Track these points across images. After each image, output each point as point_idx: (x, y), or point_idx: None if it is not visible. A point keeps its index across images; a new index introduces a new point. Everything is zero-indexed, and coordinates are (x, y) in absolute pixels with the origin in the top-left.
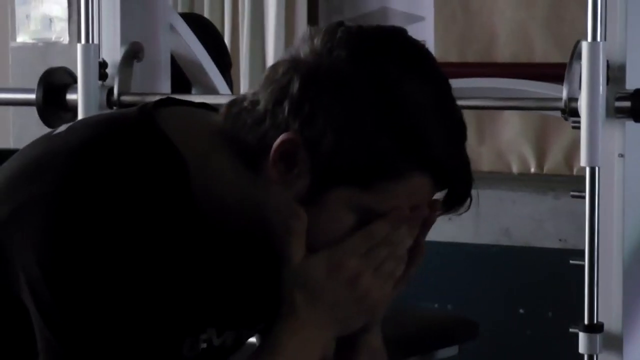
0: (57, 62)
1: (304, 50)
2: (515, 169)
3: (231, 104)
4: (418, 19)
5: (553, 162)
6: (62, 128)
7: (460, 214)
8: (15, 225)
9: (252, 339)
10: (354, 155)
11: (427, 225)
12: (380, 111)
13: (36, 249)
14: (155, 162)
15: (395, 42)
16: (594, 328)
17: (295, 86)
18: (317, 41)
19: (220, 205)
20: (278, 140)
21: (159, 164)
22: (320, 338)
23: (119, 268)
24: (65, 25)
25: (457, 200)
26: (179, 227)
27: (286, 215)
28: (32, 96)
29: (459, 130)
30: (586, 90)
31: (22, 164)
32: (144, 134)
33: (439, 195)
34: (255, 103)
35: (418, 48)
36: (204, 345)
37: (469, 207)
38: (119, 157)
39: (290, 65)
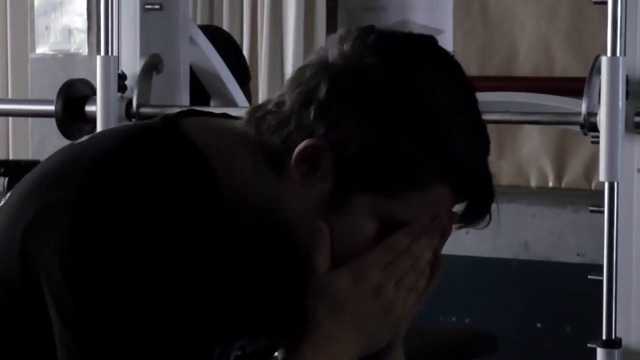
0: (76, 74)
1: (332, 54)
2: (534, 182)
3: (255, 108)
4: (438, 32)
5: (572, 176)
6: (84, 138)
7: (480, 228)
8: (40, 228)
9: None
10: (379, 162)
11: (444, 237)
12: (409, 120)
13: (59, 252)
14: (181, 166)
15: (426, 50)
16: (613, 343)
17: (323, 90)
18: (347, 45)
19: (246, 207)
20: (302, 144)
21: (185, 168)
22: (344, 354)
23: (144, 273)
24: (84, 36)
25: (477, 214)
26: (207, 231)
27: (309, 227)
28: (52, 108)
29: (485, 144)
30: (605, 105)
31: (47, 169)
32: (168, 140)
33: (458, 208)
34: (280, 105)
35: (448, 57)
36: (238, 352)
37: (488, 223)
38: (145, 162)
39: (319, 68)
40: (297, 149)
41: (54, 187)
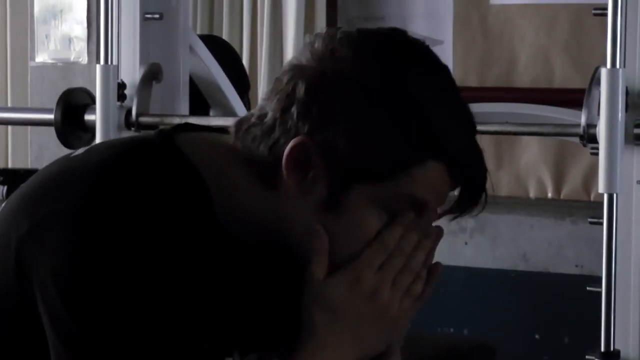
0: (76, 82)
1: (305, 57)
2: (533, 194)
3: (240, 122)
4: (437, 42)
5: (571, 187)
6: (80, 150)
7: (475, 214)
8: (34, 241)
9: None
10: (369, 152)
11: (436, 239)
12: (391, 106)
13: (53, 266)
14: (174, 181)
15: (397, 39)
16: (611, 355)
17: (301, 90)
18: (317, 45)
19: (240, 222)
20: (289, 146)
21: (179, 183)
22: None
23: (138, 286)
24: (84, 45)
25: (472, 194)
26: (200, 246)
27: (307, 233)
28: (51, 116)
29: (468, 119)
30: (605, 116)
31: (42, 182)
32: (162, 154)
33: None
34: (263, 116)
35: (419, 44)
36: None
37: (484, 207)
38: (138, 176)
39: (294, 73)
40: (285, 152)
41: (49, 200)
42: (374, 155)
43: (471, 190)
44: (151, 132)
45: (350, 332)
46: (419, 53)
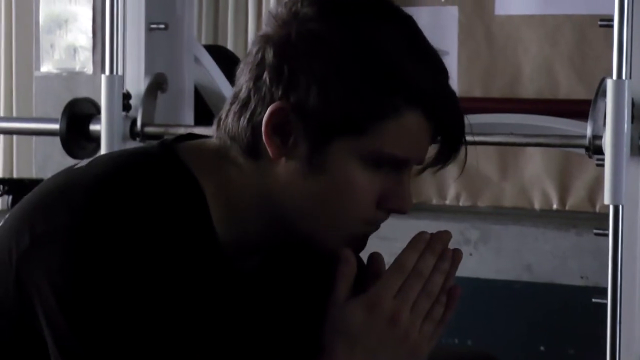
0: (81, 92)
1: (270, 25)
2: (537, 205)
3: (218, 120)
4: (442, 53)
5: (575, 199)
6: (84, 162)
7: (461, 169)
8: (34, 254)
9: None
10: (343, 105)
11: (455, 262)
12: (359, 57)
13: (52, 277)
14: (174, 192)
15: None
16: None
17: (269, 56)
18: (280, 11)
19: (240, 220)
20: (266, 114)
21: (179, 195)
22: None
23: (137, 296)
24: (89, 55)
25: (452, 140)
26: (199, 257)
27: (300, 198)
28: (56, 126)
29: (438, 64)
30: (611, 128)
31: (44, 195)
32: (163, 166)
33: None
34: (237, 93)
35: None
36: None
37: (465, 160)
38: (138, 190)
39: (262, 42)
40: (264, 120)
41: (50, 214)
42: (348, 108)
43: (450, 135)
44: (154, 143)
45: (369, 358)
46: (381, 5)
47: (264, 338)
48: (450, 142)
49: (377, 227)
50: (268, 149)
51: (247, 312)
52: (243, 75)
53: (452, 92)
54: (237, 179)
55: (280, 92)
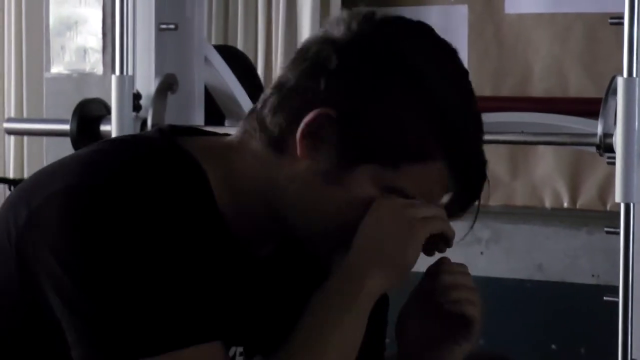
0: (91, 93)
1: (338, 31)
2: (548, 204)
3: (252, 109)
4: None
5: (586, 197)
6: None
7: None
8: (33, 226)
9: None
10: (387, 137)
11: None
12: (417, 96)
13: (52, 243)
14: (173, 162)
15: (432, 35)
16: None
17: (333, 63)
18: (354, 24)
19: (243, 207)
20: (311, 115)
21: (177, 163)
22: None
23: (138, 251)
24: (99, 56)
25: (464, 201)
26: (195, 218)
27: (309, 205)
28: (67, 127)
29: (479, 128)
30: (621, 126)
31: (40, 174)
32: (162, 145)
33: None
34: (281, 85)
35: (453, 47)
36: None
37: (477, 213)
38: (136, 157)
39: (325, 43)
40: (306, 119)
41: (46, 186)
42: (390, 142)
43: (464, 197)
44: (153, 130)
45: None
46: (451, 56)
47: (276, 320)
48: (462, 201)
49: None
50: (297, 147)
51: (261, 295)
52: (293, 69)
53: (484, 160)
54: (243, 166)
55: (332, 100)
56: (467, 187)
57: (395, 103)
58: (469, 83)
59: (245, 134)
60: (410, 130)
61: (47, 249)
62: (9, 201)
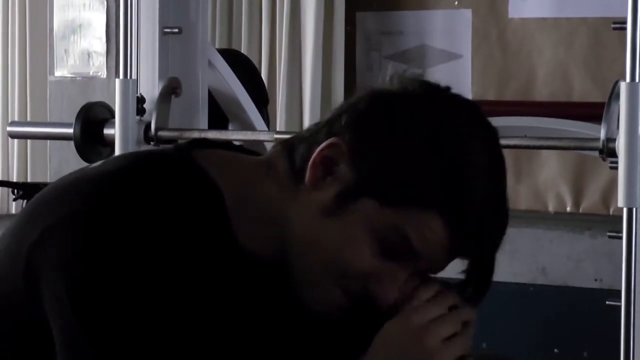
0: (95, 97)
1: (379, 85)
2: (551, 208)
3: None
4: (456, 56)
5: (590, 201)
6: (97, 162)
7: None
8: (44, 245)
9: None
10: (396, 178)
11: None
12: (439, 151)
13: (62, 265)
14: (187, 186)
15: (469, 104)
16: None
17: (363, 103)
18: (396, 81)
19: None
20: (326, 142)
21: (191, 188)
22: None
23: (145, 286)
24: (103, 60)
25: (478, 279)
26: (212, 253)
27: (308, 237)
28: (70, 130)
29: (503, 214)
30: (624, 130)
31: (54, 190)
32: (178, 163)
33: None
34: (316, 126)
35: (488, 122)
36: None
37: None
38: (151, 181)
39: (363, 93)
40: (320, 147)
41: (60, 205)
42: (397, 184)
43: (475, 274)
44: (169, 146)
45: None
46: (486, 128)
47: (288, 337)
48: (476, 275)
49: (350, 301)
50: (307, 174)
51: (275, 321)
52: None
53: (498, 238)
54: (262, 190)
55: (348, 135)
56: (471, 257)
57: (411, 153)
58: (499, 161)
59: (276, 156)
60: (419, 179)
61: (57, 269)
62: (23, 214)
